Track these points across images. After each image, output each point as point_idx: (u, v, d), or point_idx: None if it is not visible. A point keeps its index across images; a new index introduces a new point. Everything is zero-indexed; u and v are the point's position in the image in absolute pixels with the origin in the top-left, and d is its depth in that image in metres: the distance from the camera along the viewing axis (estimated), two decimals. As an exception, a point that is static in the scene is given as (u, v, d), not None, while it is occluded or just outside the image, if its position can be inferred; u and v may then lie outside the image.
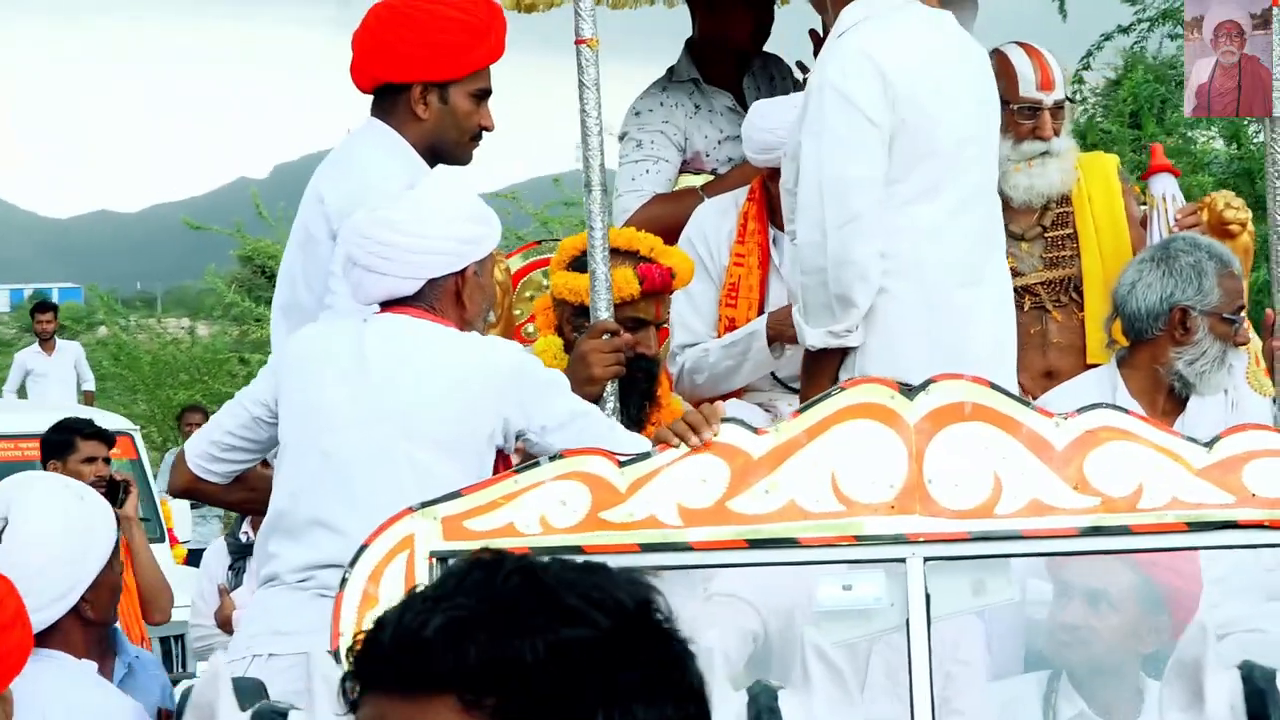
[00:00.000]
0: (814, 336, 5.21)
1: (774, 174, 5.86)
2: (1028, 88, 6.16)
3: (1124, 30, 17.59)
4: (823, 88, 5.17)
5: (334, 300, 5.30)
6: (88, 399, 19.51)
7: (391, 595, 4.42)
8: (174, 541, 13.27)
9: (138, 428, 13.96)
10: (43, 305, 21.20)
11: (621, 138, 6.75)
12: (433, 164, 5.45)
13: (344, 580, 4.44)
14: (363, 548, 4.46)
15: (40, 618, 4.38)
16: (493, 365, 4.94)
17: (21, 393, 19.53)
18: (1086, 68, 18.37)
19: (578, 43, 5.28)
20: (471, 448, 4.92)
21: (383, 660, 2.05)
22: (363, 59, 5.49)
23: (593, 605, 2.07)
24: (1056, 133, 6.20)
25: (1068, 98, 6.27)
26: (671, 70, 6.85)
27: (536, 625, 2.03)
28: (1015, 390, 5.37)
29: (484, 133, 5.53)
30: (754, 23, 6.77)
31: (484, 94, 5.52)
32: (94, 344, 30.10)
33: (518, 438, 4.96)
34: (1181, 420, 5.59)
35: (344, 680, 2.05)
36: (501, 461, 5.01)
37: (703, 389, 5.88)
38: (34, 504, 4.55)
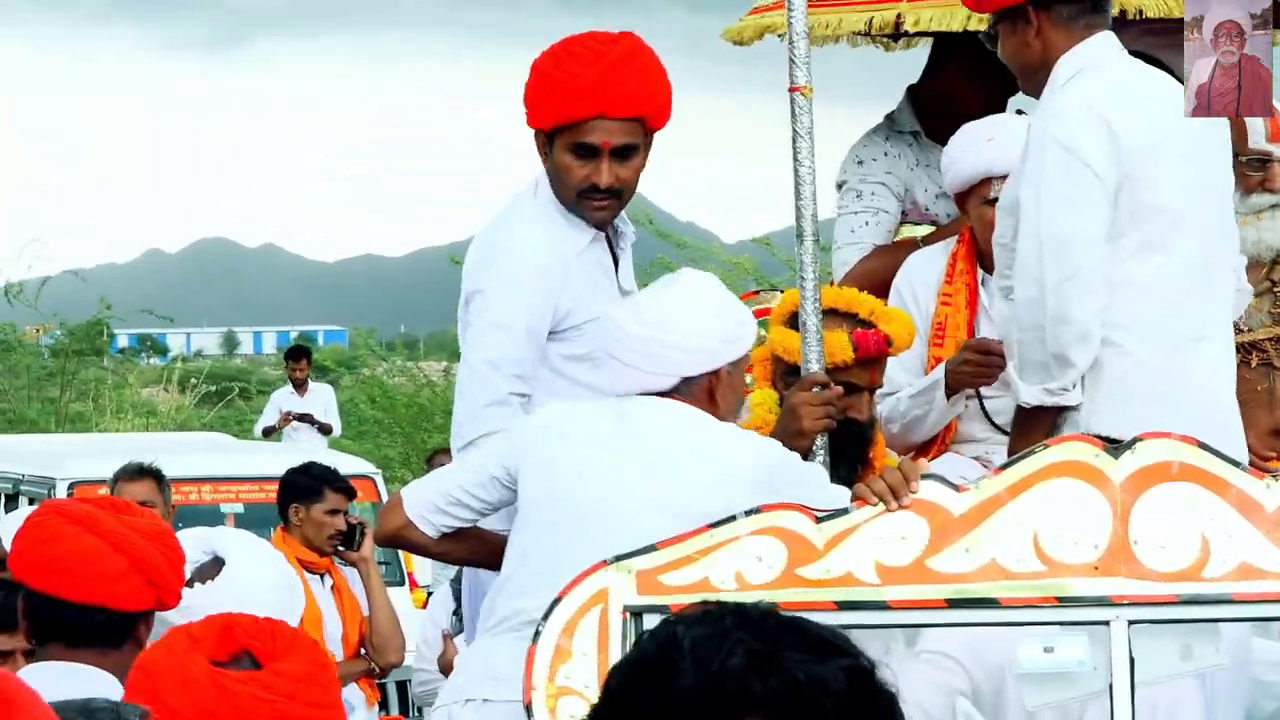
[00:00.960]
0: (1029, 394, 5.14)
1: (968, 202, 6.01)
2: (1257, 139, 6.08)
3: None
4: (1044, 140, 5.12)
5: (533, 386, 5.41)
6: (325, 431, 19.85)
7: (585, 649, 4.43)
8: (414, 585, 13.39)
9: (379, 472, 14.10)
10: (296, 351, 21.55)
11: (840, 186, 6.71)
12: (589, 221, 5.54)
13: (537, 633, 4.45)
14: (556, 600, 4.46)
15: None
16: (752, 458, 4.93)
17: (273, 435, 19.86)
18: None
19: (791, 90, 5.26)
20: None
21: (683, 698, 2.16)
22: None
23: (845, 641, 2.24)
24: None
25: None
26: (892, 118, 6.77)
27: (827, 653, 2.18)
28: (1244, 449, 5.28)
29: (599, 190, 5.50)
30: (991, 91, 6.68)
31: (585, 149, 5.49)
32: (355, 385, 30.53)
33: None
34: None
35: None
36: None
37: (897, 438, 5.84)
38: (249, 552, 4.61)
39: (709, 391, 5.04)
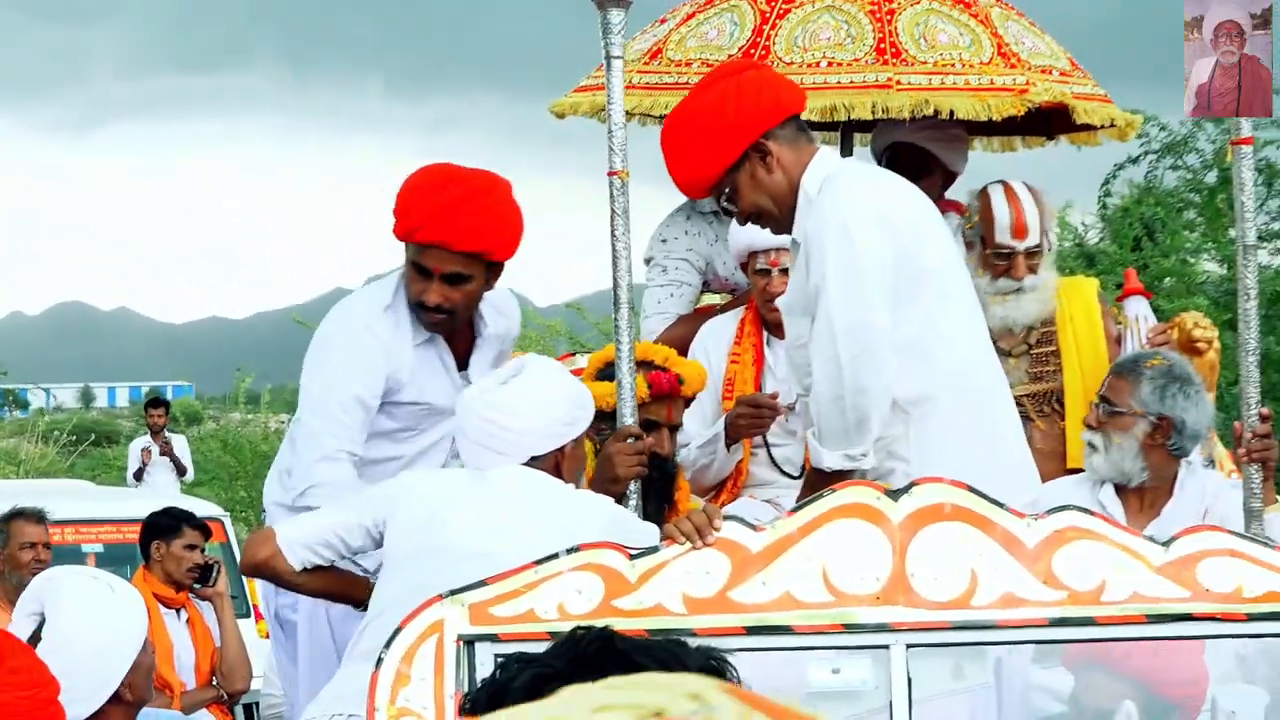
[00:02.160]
0: (831, 459, 5.14)
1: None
2: (1002, 234, 6.14)
3: (1133, 161, 17.64)
4: (823, 238, 5.07)
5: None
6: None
7: (422, 674, 4.43)
8: (259, 617, 13.26)
9: (228, 514, 13.98)
10: (155, 401, 21.25)
11: (647, 262, 6.74)
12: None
13: (379, 660, 4.44)
14: (397, 630, 4.46)
15: (84, 708, 4.32)
16: (597, 513, 4.94)
17: (140, 477, 19.58)
18: (1108, 194, 18.38)
19: (610, 174, 5.27)
20: None
21: (472, 713, 2.17)
22: None
23: (662, 666, 2.14)
24: (1031, 270, 6.17)
25: (1047, 238, 6.22)
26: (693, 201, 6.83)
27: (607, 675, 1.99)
28: (1037, 484, 5.36)
29: (428, 307, 5.62)
30: None
31: (420, 269, 5.61)
32: (204, 436, 30.18)
33: None
34: (1156, 523, 5.55)
35: None
36: None
37: (691, 482, 5.87)
38: (69, 600, 4.42)
39: (555, 465, 5.08)
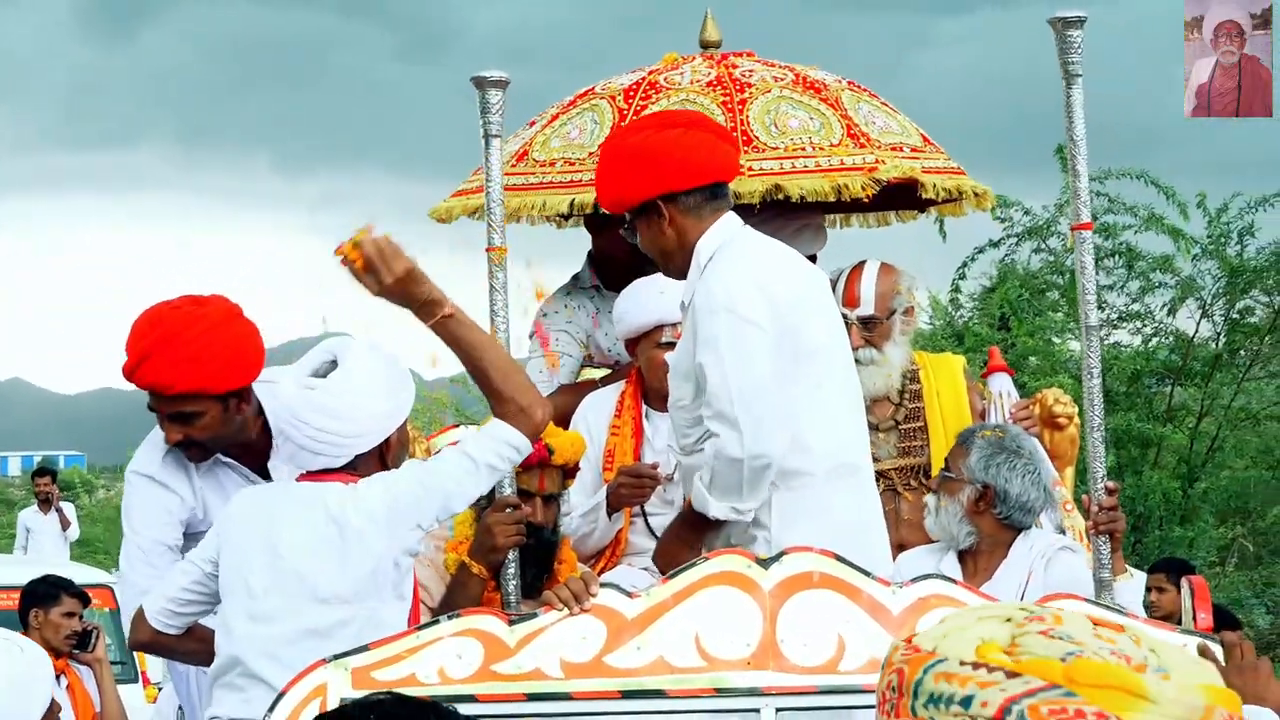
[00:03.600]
0: (719, 510, 5.10)
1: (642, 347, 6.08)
2: (839, 303, 6.21)
3: (994, 244, 17.78)
4: (712, 310, 5.07)
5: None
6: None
7: (301, 737, 4.41)
8: (146, 682, 13.14)
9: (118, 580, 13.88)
10: (41, 470, 21.01)
11: (530, 336, 6.76)
12: None
13: (264, 726, 4.42)
14: (280, 695, 4.44)
15: None
16: (368, 511, 4.86)
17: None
18: (963, 277, 18.53)
19: (487, 250, 5.28)
20: (374, 589, 4.88)
21: None
22: None
23: None
24: (869, 343, 6.21)
25: (893, 314, 6.26)
26: (576, 277, 6.85)
27: None
28: (889, 559, 5.39)
29: (176, 446, 5.52)
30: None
31: (152, 410, 5.53)
32: (97, 504, 29.89)
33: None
34: (989, 585, 5.60)
35: None
36: None
37: (574, 550, 5.86)
38: None
39: (380, 456, 5.02)
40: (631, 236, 5.32)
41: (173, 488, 5.57)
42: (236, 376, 5.39)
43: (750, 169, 6.16)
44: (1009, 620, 2.17)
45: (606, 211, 5.55)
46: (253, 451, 5.61)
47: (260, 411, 5.56)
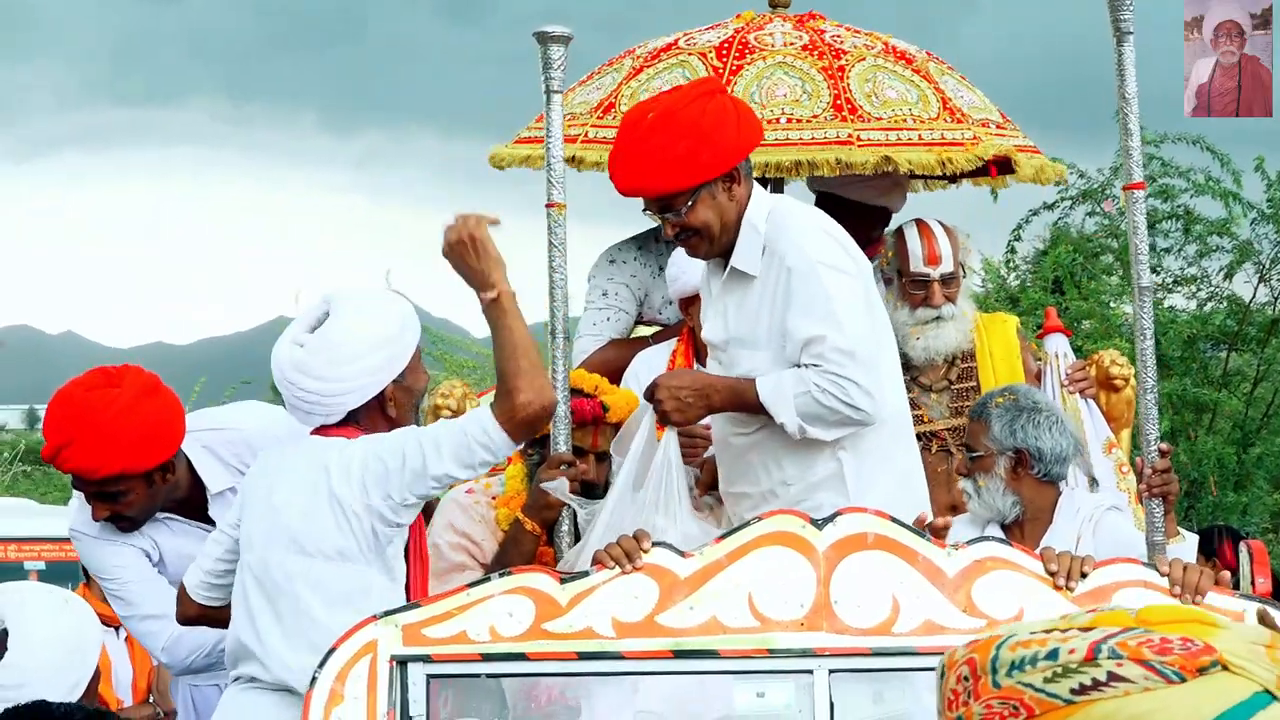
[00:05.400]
0: (794, 426, 4.96)
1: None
2: (917, 263, 6.18)
3: (1049, 207, 17.66)
4: (808, 269, 4.99)
5: None
6: None
7: (356, 693, 4.40)
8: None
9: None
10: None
11: (590, 279, 6.68)
12: None
13: (314, 679, 4.40)
14: (331, 651, 4.42)
15: None
16: (345, 468, 4.78)
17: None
18: (1018, 239, 18.42)
19: (548, 206, 5.22)
20: (358, 551, 4.79)
21: None
22: None
23: None
24: (949, 299, 6.21)
25: (962, 268, 6.26)
26: (654, 232, 6.65)
27: None
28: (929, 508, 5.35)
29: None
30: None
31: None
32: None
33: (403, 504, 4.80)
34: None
35: None
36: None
37: None
38: (31, 613, 4.39)
39: (380, 409, 4.93)
40: (677, 217, 5.10)
41: (129, 543, 5.54)
42: (157, 453, 5.36)
43: (858, 139, 6.13)
44: (1056, 624, 2.27)
45: (658, 194, 5.16)
46: (188, 504, 5.58)
47: (190, 466, 5.52)
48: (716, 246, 5.17)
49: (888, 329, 5.28)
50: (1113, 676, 2.10)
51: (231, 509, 5.10)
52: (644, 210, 5.29)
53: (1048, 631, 2.18)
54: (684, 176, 5.05)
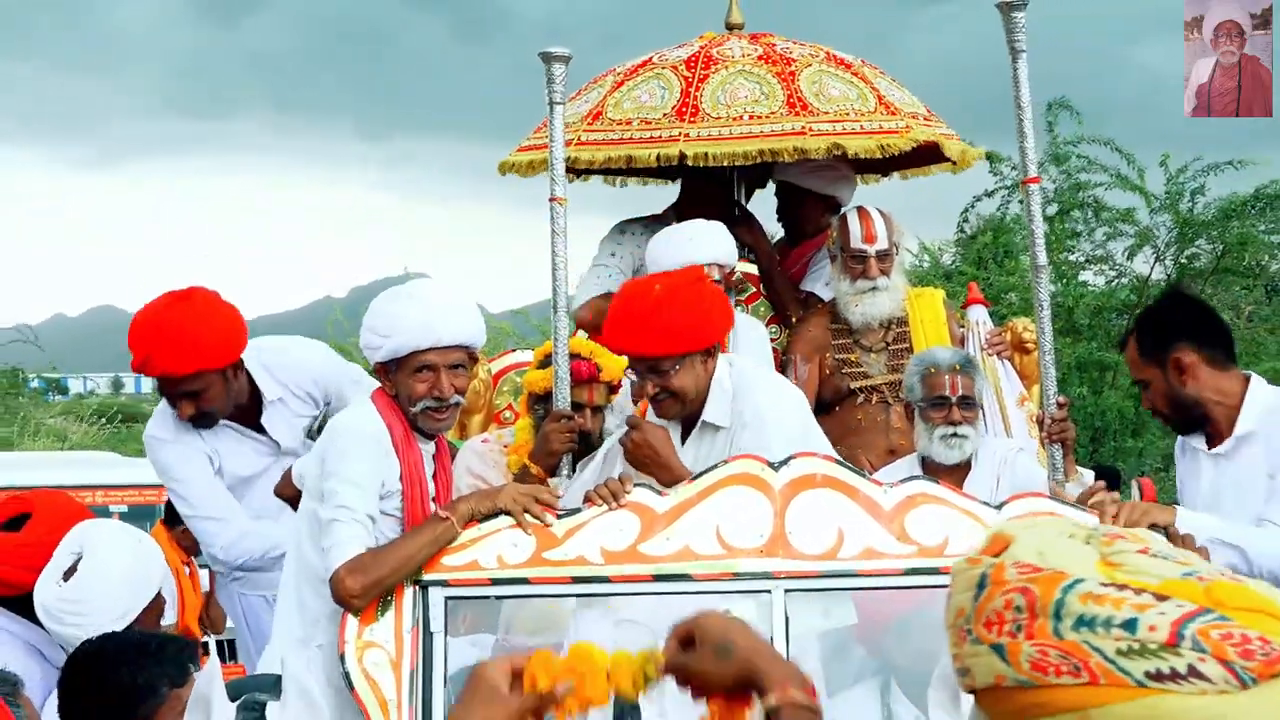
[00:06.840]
0: None
1: None
2: (856, 241, 6.18)
3: (989, 195, 17.69)
4: (763, 409, 4.97)
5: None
6: None
7: (386, 612, 4.42)
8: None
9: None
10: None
11: (601, 243, 6.67)
12: None
13: (352, 601, 4.41)
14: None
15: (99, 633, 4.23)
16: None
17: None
18: (966, 221, 18.50)
19: (550, 200, 5.21)
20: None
21: None
22: None
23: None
24: (884, 272, 6.21)
25: (895, 247, 6.27)
26: (671, 210, 6.67)
27: None
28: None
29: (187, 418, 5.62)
30: (726, 203, 6.70)
31: (160, 392, 5.59)
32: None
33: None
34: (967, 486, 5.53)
35: None
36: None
37: None
38: (104, 542, 4.38)
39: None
40: (660, 379, 4.96)
41: (189, 444, 5.66)
42: (228, 353, 5.57)
43: (811, 129, 6.15)
44: (1088, 541, 1.80)
45: (650, 356, 4.98)
46: (247, 411, 5.71)
47: (250, 378, 5.71)
48: (685, 410, 5.03)
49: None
50: (1193, 671, 1.69)
51: (365, 471, 4.58)
52: (627, 370, 5.28)
53: (1120, 588, 1.74)
54: (679, 344, 4.94)
